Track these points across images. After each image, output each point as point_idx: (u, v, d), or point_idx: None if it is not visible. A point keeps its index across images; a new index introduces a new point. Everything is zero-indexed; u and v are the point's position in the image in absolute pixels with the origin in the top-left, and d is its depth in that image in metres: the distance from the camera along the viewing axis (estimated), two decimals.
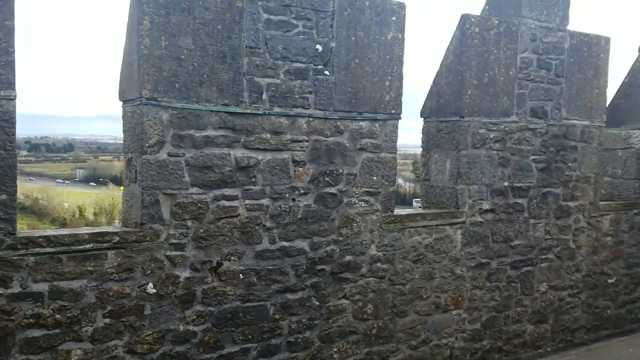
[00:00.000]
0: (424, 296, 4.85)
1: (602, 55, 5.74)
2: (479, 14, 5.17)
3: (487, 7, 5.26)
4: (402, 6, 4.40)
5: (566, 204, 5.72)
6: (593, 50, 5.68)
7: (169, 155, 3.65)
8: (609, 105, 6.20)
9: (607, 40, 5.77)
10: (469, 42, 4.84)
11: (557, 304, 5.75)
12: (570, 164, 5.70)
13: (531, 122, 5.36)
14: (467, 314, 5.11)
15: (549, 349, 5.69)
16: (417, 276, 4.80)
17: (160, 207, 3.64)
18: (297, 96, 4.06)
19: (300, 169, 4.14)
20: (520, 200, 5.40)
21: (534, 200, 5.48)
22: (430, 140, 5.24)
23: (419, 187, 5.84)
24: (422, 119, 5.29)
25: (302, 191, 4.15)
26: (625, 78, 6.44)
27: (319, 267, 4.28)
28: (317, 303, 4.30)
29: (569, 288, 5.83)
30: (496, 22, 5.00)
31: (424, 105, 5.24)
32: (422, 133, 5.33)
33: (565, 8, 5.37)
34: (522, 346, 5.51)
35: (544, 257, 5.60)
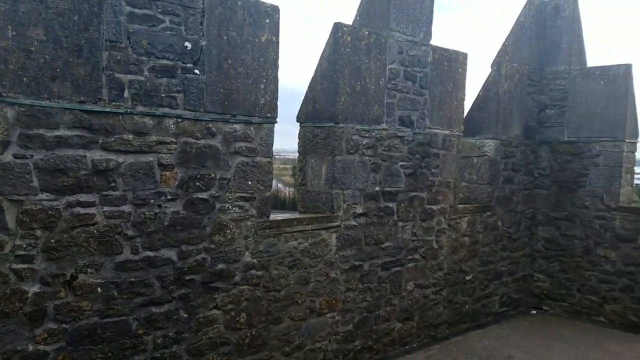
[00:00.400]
0: (299, 301, 4.89)
1: (460, 70, 6.32)
2: (351, 23, 5.38)
3: (358, 17, 5.50)
4: (275, 9, 4.41)
5: (430, 207, 6.18)
6: (453, 64, 6.22)
7: (15, 157, 3.25)
8: (466, 116, 6.83)
9: (465, 56, 6.37)
10: (342, 50, 5.01)
11: (422, 301, 6.17)
12: (433, 170, 6.16)
13: (399, 130, 5.70)
14: (341, 316, 5.26)
15: (415, 345, 6.09)
16: (292, 282, 4.82)
17: (4, 215, 3.22)
18: (163, 95, 3.86)
19: (168, 173, 3.93)
20: (390, 204, 5.70)
21: (402, 204, 5.83)
22: (306, 145, 5.32)
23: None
24: (299, 124, 5.36)
25: (169, 197, 3.95)
26: (479, 92, 7.15)
27: (188, 277, 4.10)
28: (186, 315, 4.11)
29: (433, 286, 6.30)
30: (367, 32, 5.24)
31: (300, 110, 5.31)
32: (299, 138, 5.39)
33: (428, 24, 5.81)
34: (391, 344, 5.82)
35: (411, 257, 5.99)
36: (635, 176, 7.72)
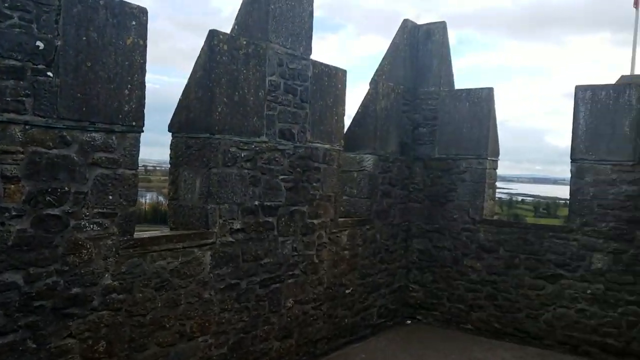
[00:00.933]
0: (167, 325, 4.61)
1: (340, 86, 6.51)
2: (229, 32, 5.28)
3: (236, 27, 5.42)
4: (143, 11, 4.17)
5: (311, 221, 6.23)
6: (333, 80, 6.39)
7: None
8: (347, 131, 7.05)
9: (344, 72, 6.58)
10: (218, 58, 4.89)
11: (302, 317, 6.18)
12: (314, 184, 6.24)
13: (280, 143, 5.70)
14: (214, 339, 5.06)
15: None
16: (160, 305, 4.53)
17: None
18: (9, 99, 3.43)
19: (13, 186, 3.49)
20: (270, 219, 5.65)
21: (283, 219, 5.81)
22: (179, 157, 5.08)
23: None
24: (171, 134, 5.11)
25: (14, 213, 3.51)
26: (359, 108, 7.43)
27: (36, 304, 3.66)
28: (34, 346, 3.66)
29: (313, 301, 6.34)
30: (245, 42, 5.18)
31: (172, 119, 5.07)
32: (171, 149, 5.13)
33: (308, 39, 5.91)
34: None
35: (291, 273, 5.97)
36: (497, 191, 8.51)
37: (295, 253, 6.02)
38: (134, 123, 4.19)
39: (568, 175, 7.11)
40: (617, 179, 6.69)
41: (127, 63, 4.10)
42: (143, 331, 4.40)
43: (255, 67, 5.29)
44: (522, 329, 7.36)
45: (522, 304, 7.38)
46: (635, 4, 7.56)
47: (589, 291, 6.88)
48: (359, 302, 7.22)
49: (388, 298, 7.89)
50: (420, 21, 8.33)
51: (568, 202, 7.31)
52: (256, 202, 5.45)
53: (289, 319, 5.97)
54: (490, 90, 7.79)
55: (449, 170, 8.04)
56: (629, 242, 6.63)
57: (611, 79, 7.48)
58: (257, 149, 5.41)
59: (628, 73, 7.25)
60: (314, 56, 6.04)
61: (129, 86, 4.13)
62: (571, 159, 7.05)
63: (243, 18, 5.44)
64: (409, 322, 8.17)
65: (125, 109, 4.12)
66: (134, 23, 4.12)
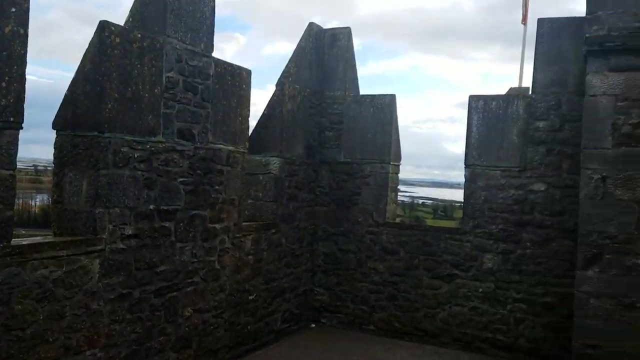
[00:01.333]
0: (51, 339, 4.30)
1: (244, 86, 6.46)
2: (122, 24, 5.05)
3: (131, 19, 5.19)
4: None
5: (212, 225, 6.11)
6: (236, 80, 6.33)
7: None
8: (252, 133, 7.01)
9: (249, 72, 6.54)
10: (109, 51, 4.65)
11: (202, 326, 6.03)
12: (216, 187, 6.13)
13: (179, 144, 5.53)
14: (104, 353, 4.78)
15: None
16: (42, 317, 4.22)
17: None
18: None
19: None
20: (167, 224, 5.46)
21: (182, 224, 5.64)
22: (64, 156, 4.77)
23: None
24: (55, 131, 4.78)
25: None
26: (265, 109, 7.43)
27: None
28: None
29: (213, 309, 6.22)
30: (139, 35, 4.98)
31: (57, 116, 4.75)
32: (55, 148, 4.81)
33: (209, 35, 5.81)
34: None
35: (190, 280, 5.81)
36: (400, 194, 8.90)
37: (195, 259, 5.87)
38: (12, 119, 3.87)
39: (463, 179, 7.61)
40: (505, 184, 7.26)
41: (5, 53, 3.79)
42: (22, 346, 4.06)
43: (151, 62, 5.10)
44: (421, 328, 7.75)
45: (420, 304, 7.76)
46: (524, 21, 8.30)
47: (480, 290, 7.40)
48: (262, 308, 7.20)
49: (293, 302, 7.94)
50: (327, 26, 8.52)
51: (462, 205, 7.82)
52: (151, 206, 5.24)
53: (187, 329, 5.80)
54: (392, 97, 8.13)
55: (354, 174, 8.27)
56: (516, 243, 7.22)
57: (502, 90, 8.14)
58: (153, 149, 5.22)
59: (516, 85, 7.93)
60: (221, 55, 6.01)
61: (7, 78, 3.82)
62: (465, 164, 7.54)
63: (139, 10, 5.22)
64: (313, 325, 8.28)
65: (2, 103, 3.79)
66: (13, 10, 3.81)
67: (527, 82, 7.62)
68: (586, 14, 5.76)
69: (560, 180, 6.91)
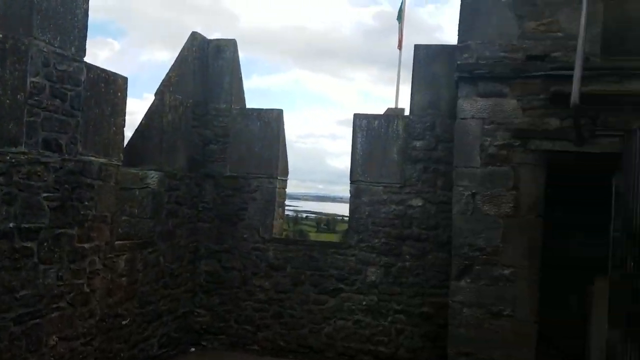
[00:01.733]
0: None
1: (119, 94, 6.22)
2: None
3: None
4: None
5: (81, 245, 5.78)
6: (111, 87, 6.08)
7: None
8: (127, 144, 6.75)
9: (125, 80, 6.31)
10: None
11: (69, 356, 5.65)
12: (86, 203, 5.81)
13: (43, 155, 5.18)
14: None
15: None
16: None
17: None
18: None
19: None
20: (29, 244, 5.08)
21: (46, 243, 5.27)
22: None
23: None
24: None
25: None
26: (142, 120, 7.20)
27: None
28: None
29: (82, 336, 5.85)
30: (1, 36, 4.62)
31: None
32: None
33: (81, 38, 5.53)
34: None
35: (55, 306, 5.43)
36: (285, 208, 9.06)
37: (61, 283, 5.50)
38: None
39: (347, 194, 7.97)
40: (387, 200, 7.74)
41: None
42: None
43: (13, 65, 4.74)
44: (306, 345, 7.93)
45: (306, 320, 7.94)
46: (399, 46, 8.99)
47: (364, 302, 7.77)
48: (137, 333, 6.90)
49: (171, 326, 7.70)
50: (210, 37, 8.50)
51: (348, 219, 8.18)
52: (11, 225, 4.85)
53: (52, 359, 5.39)
54: (280, 112, 8.31)
55: (240, 189, 8.28)
56: (397, 256, 7.70)
57: (380, 110, 8.74)
58: (14, 161, 4.83)
59: (393, 106, 8.53)
60: (93, 61, 5.71)
61: None
62: (350, 180, 7.92)
63: (1, 9, 4.83)
64: (192, 349, 8.09)
65: None
66: None
67: (403, 103, 8.26)
68: (457, 43, 6.40)
69: (435, 196, 7.52)
